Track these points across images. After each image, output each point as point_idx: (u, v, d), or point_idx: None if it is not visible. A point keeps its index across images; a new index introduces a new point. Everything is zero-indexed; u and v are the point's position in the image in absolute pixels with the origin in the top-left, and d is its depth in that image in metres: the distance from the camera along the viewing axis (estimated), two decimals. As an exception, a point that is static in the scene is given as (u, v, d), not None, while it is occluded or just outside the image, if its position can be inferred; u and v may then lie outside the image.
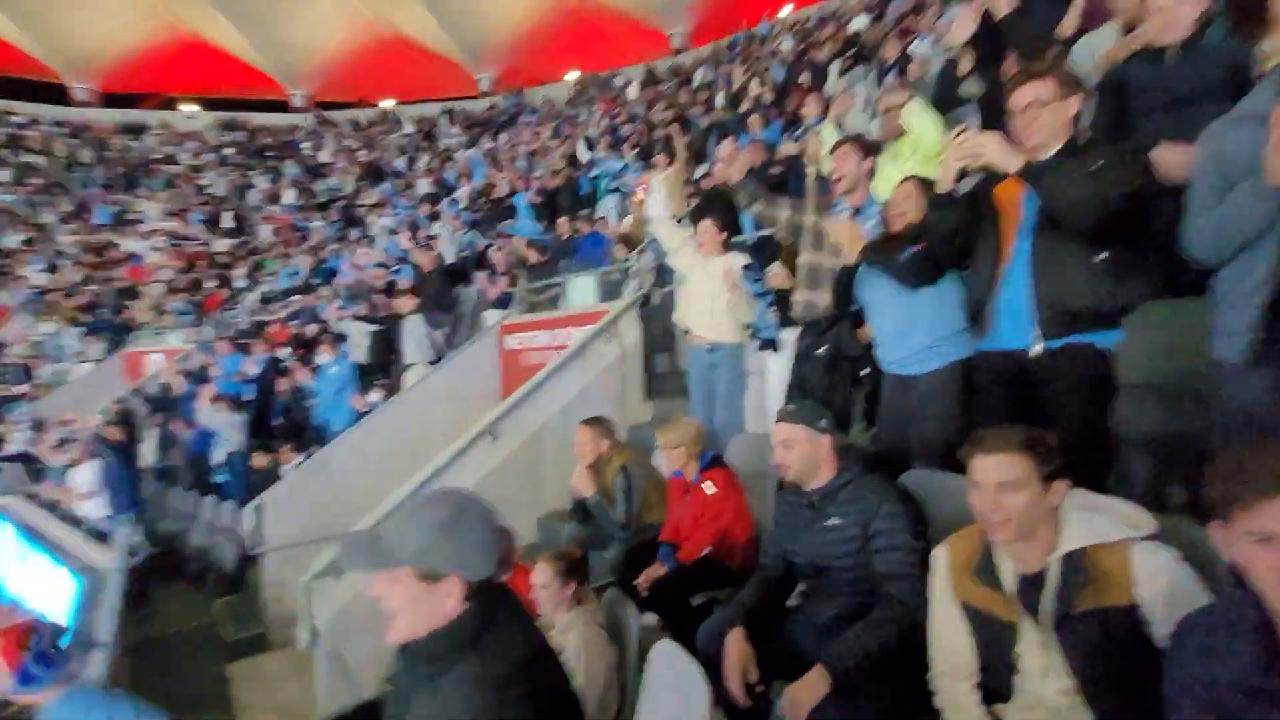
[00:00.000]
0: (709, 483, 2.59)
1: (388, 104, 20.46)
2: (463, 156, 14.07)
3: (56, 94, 18.91)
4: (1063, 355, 1.77)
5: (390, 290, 7.33)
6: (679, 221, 3.68)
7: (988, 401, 1.94)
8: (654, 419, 4.31)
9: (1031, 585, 1.36)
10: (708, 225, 3.45)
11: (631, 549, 2.89)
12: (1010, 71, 2.87)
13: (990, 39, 3.06)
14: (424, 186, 12.33)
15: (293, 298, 9.57)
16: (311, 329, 7.69)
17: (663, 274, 4.99)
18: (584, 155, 9.25)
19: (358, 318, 7.07)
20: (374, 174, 14.70)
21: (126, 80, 19.65)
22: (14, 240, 13.78)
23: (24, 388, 9.42)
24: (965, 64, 3.22)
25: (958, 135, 1.86)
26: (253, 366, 7.39)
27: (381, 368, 6.42)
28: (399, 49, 20.53)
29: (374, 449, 5.45)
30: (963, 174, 1.94)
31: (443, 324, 6.62)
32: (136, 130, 18.93)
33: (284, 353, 7.35)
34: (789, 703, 1.61)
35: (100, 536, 4.89)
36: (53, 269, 12.76)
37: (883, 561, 1.75)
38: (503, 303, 6.57)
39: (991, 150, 1.79)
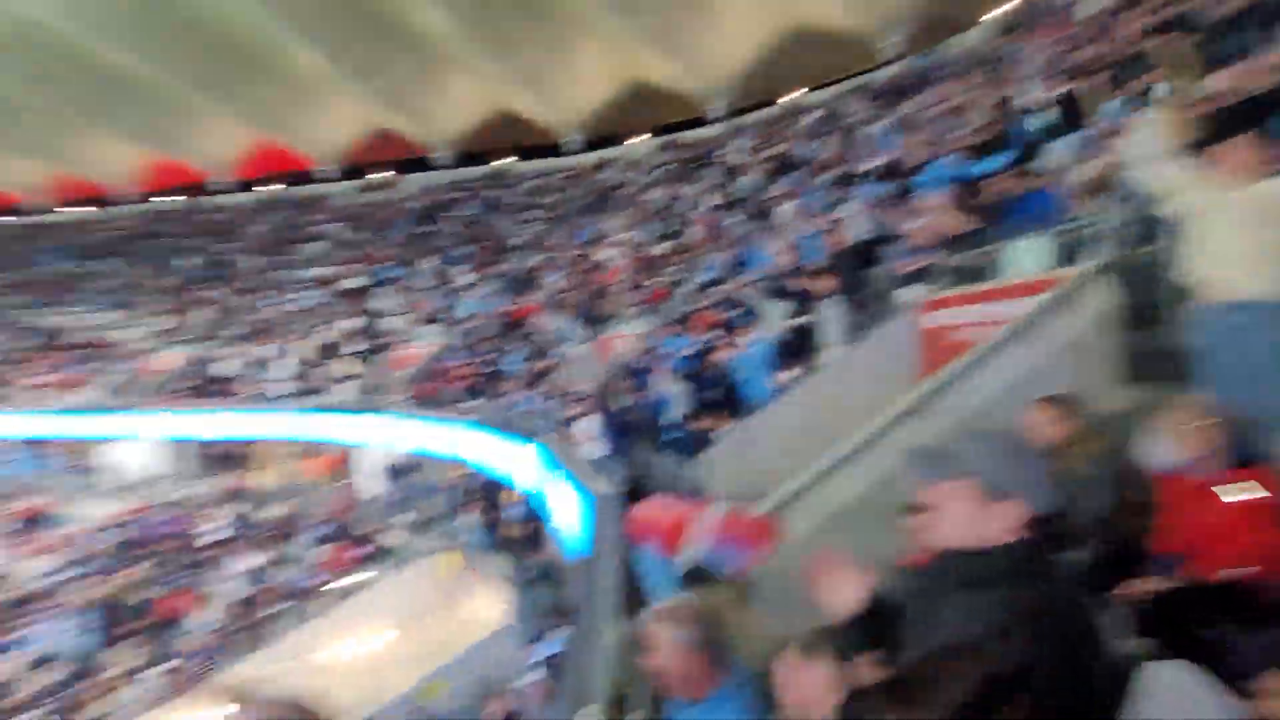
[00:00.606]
0: (1249, 483, 1.98)
1: (794, 95, 21.25)
2: (869, 131, 13.68)
3: (552, 150, 25.84)
4: None
5: (804, 273, 7.69)
6: (1183, 152, 2.86)
7: None
8: (1135, 407, 3.49)
9: None
10: (1236, 144, 2.61)
11: (1103, 553, 2.44)
12: None
13: None
14: (832, 170, 12.46)
15: (716, 287, 10.91)
16: (734, 313, 8.65)
17: (1145, 229, 3.97)
18: (1023, 99, 7.93)
19: (776, 295, 7.66)
20: (784, 166, 15.48)
21: (601, 127, 25.45)
22: (539, 259, 19.43)
23: (547, 362, 13.26)
24: None
25: None
26: (691, 346, 8.74)
27: (799, 346, 6.82)
28: (802, 39, 21.17)
29: (790, 422, 5.88)
30: None
31: (855, 303, 6.64)
32: (604, 165, 24.32)
33: (713, 334, 8.48)
34: None
35: (598, 471, 6.59)
36: (560, 276, 17.51)
37: None
38: (917, 279, 6.22)
39: None
